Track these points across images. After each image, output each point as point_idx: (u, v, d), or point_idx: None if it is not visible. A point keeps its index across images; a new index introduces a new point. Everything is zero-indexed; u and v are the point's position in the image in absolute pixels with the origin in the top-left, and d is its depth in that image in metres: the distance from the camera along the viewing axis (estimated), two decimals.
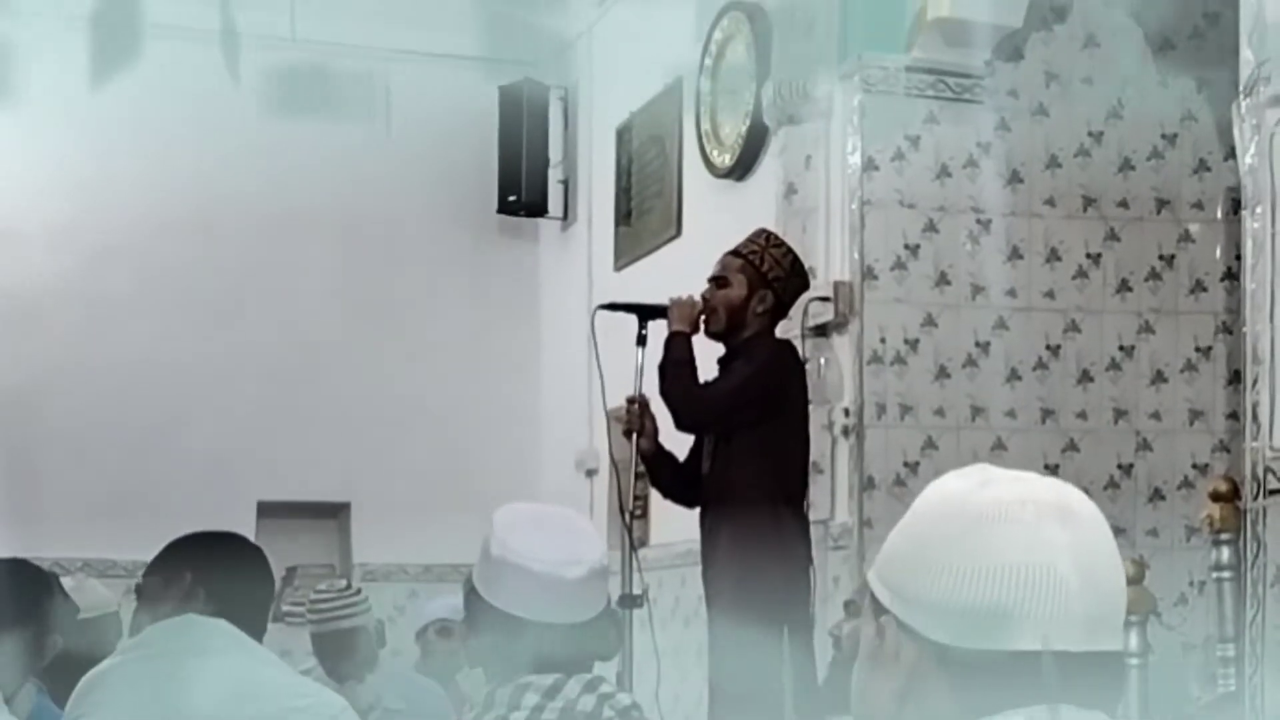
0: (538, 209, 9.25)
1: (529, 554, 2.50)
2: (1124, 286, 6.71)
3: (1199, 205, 6.74)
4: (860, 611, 1.52)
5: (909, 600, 1.46)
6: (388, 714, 5.14)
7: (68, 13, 8.04)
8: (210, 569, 3.09)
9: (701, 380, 5.25)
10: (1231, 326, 6.54)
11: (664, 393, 5.22)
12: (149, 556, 2.96)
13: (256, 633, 3.08)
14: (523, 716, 2.46)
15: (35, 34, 8.29)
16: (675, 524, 6.62)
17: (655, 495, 6.04)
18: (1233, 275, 6.51)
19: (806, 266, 5.64)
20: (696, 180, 7.80)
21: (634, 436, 5.26)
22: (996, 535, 1.44)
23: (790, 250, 5.41)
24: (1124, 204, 6.71)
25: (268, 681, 2.97)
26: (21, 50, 8.09)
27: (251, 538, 3.60)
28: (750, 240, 5.39)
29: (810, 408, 5.51)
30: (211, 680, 2.92)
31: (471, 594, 2.57)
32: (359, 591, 5.31)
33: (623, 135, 8.58)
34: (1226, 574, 4.74)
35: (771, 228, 5.81)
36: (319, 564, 9.15)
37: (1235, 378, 6.47)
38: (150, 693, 2.94)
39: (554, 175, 9.24)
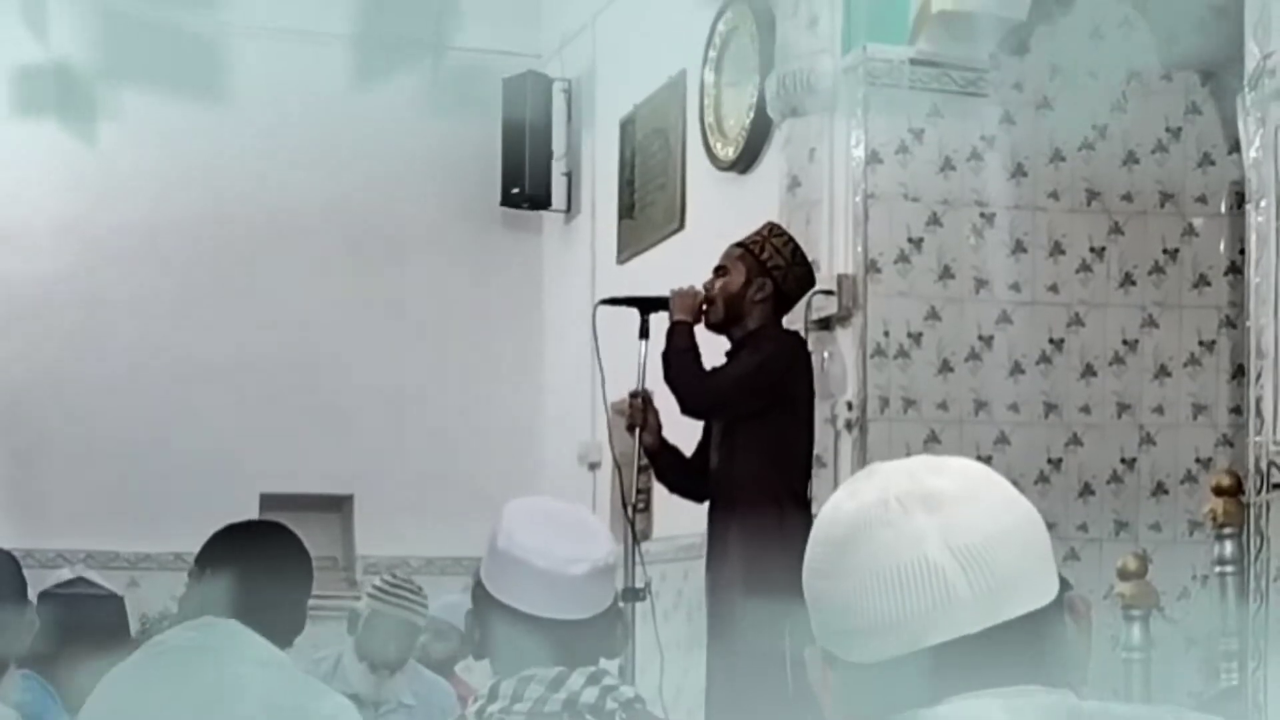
0: (541, 201, 9.25)
1: (534, 549, 2.51)
2: (1127, 280, 6.70)
3: (1203, 199, 6.73)
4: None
5: (816, 628, 1.47)
6: (400, 707, 5.20)
7: (76, 7, 8.04)
8: (229, 562, 3.10)
9: (708, 368, 5.26)
10: (1235, 320, 6.53)
11: (668, 379, 5.22)
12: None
13: (284, 625, 3.09)
14: (526, 708, 2.46)
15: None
16: (678, 517, 6.62)
17: (658, 489, 6.04)
18: (1236, 269, 6.50)
19: (810, 260, 5.64)
20: (700, 173, 7.79)
21: (637, 431, 5.26)
22: (863, 546, 1.42)
23: (791, 240, 5.41)
24: (1128, 197, 6.71)
25: (263, 682, 2.98)
26: (23, 47, 8.07)
27: None
28: (754, 232, 5.41)
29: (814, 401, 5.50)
30: (207, 681, 2.93)
31: (478, 587, 2.58)
32: (425, 593, 5.42)
33: (626, 128, 8.57)
34: (1229, 568, 4.74)
35: (775, 220, 5.81)
36: (322, 556, 9.13)
37: (1239, 372, 6.47)
38: (149, 693, 2.96)
39: (558, 168, 9.24)
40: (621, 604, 2.65)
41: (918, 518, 1.42)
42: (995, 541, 1.42)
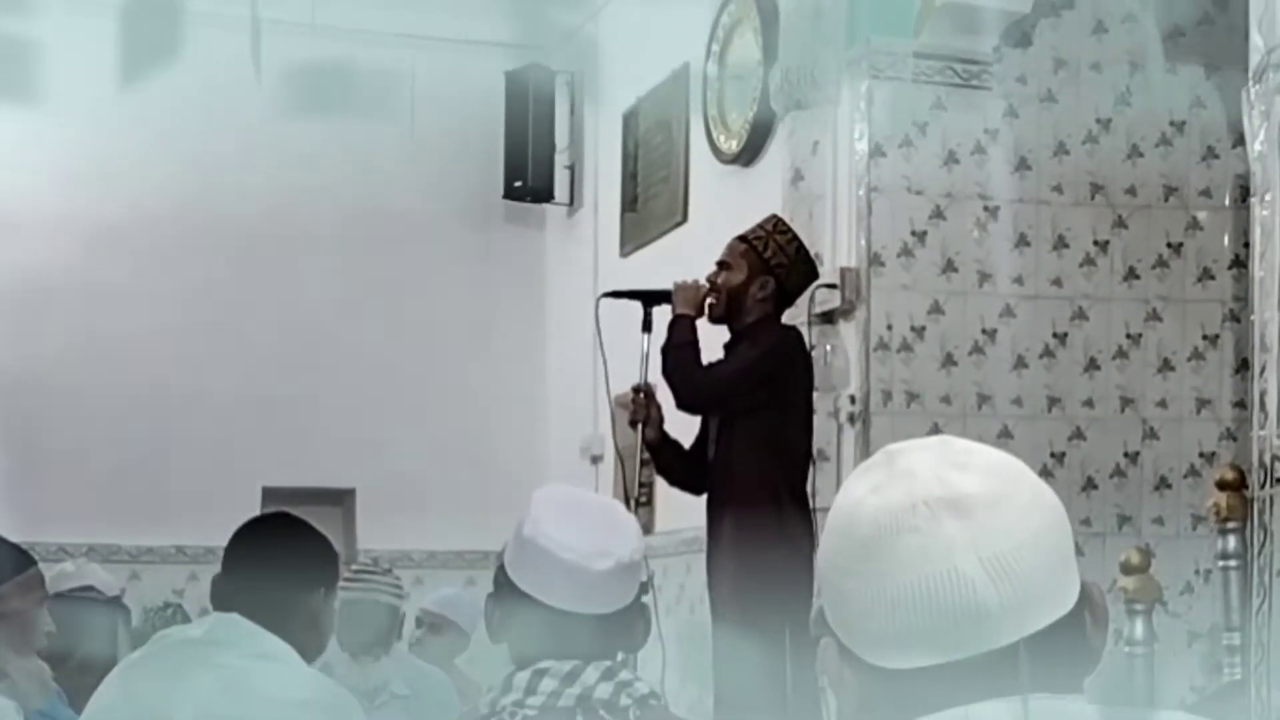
0: (544, 194, 9.24)
1: (558, 540, 2.46)
2: (1131, 274, 6.69)
3: (1207, 193, 6.72)
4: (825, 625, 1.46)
5: (836, 624, 1.42)
6: (394, 699, 5.16)
7: (76, 4, 8.04)
8: (246, 559, 3.10)
9: (706, 363, 5.25)
10: (1239, 314, 6.52)
11: (665, 374, 5.22)
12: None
13: (293, 619, 3.07)
14: (539, 702, 2.43)
15: (41, 23, 8.28)
16: (680, 511, 6.61)
17: (660, 482, 6.03)
18: (1240, 263, 6.50)
19: (813, 253, 5.63)
20: (703, 166, 7.79)
21: (639, 426, 5.25)
22: (890, 552, 1.38)
23: (796, 237, 5.40)
24: (1132, 191, 6.70)
25: (268, 675, 2.97)
26: (27, 40, 8.08)
27: None
28: (758, 226, 5.39)
29: (816, 395, 5.49)
30: (209, 676, 2.92)
31: (500, 570, 2.54)
32: (397, 576, 5.45)
33: (629, 121, 8.56)
34: (1232, 562, 4.73)
35: (778, 214, 5.80)
36: None
37: (1243, 366, 6.46)
38: (154, 687, 2.96)
39: (560, 161, 9.23)
40: (649, 603, 2.59)
41: (947, 525, 1.37)
42: (1024, 549, 1.38)
